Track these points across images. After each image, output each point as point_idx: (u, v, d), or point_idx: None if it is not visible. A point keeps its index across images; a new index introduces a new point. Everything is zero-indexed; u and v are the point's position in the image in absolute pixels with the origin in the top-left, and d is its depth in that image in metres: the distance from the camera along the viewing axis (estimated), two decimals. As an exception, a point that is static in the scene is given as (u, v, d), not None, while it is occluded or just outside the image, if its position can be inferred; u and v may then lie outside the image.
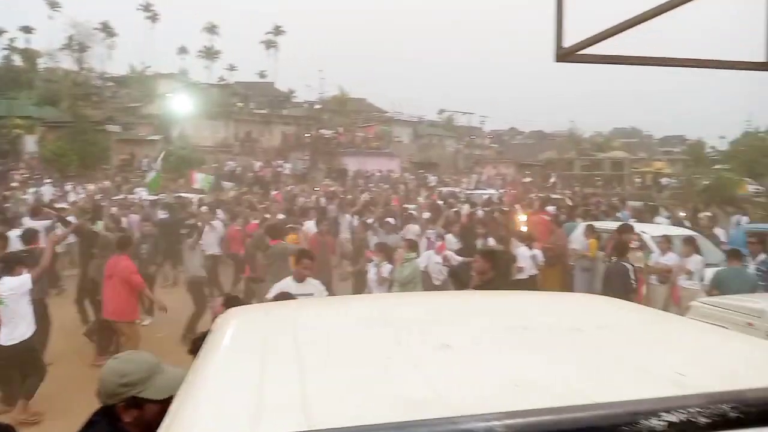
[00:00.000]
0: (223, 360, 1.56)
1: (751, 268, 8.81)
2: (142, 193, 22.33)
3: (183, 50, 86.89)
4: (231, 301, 4.15)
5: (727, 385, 0.82)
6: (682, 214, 16.67)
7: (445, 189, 29.47)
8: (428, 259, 9.98)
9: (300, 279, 6.27)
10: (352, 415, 0.83)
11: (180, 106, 40.77)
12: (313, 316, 2.05)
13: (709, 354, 1.57)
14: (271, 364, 1.39)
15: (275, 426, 1.03)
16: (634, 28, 2.60)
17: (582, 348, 1.56)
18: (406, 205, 18.58)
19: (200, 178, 22.72)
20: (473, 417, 0.70)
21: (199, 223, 11.62)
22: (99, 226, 11.02)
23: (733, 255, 8.62)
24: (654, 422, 0.71)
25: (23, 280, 6.52)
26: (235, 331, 1.85)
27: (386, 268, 8.56)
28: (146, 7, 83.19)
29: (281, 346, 1.55)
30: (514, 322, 1.78)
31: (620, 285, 8.11)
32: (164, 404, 2.26)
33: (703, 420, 0.72)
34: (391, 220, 12.75)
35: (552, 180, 37.87)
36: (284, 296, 4.98)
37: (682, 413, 0.72)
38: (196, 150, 36.69)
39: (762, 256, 8.93)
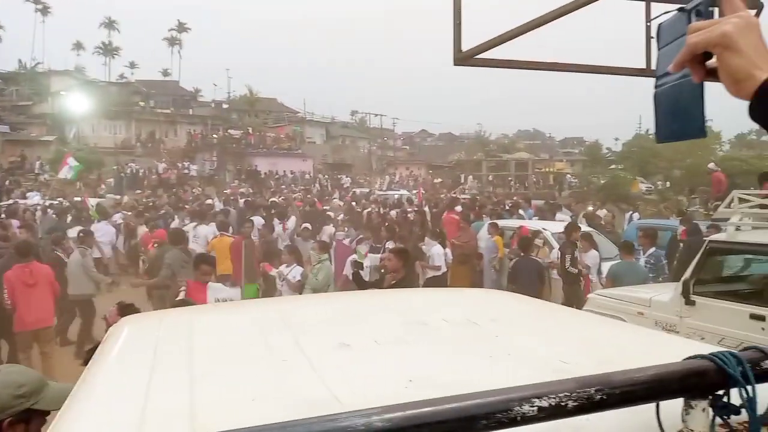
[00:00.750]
0: (111, 369, 1.49)
1: (642, 261, 9.42)
2: (36, 197, 20.89)
3: (78, 46, 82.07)
4: (126, 310, 3.95)
5: (600, 370, 0.87)
6: (590, 208, 17.63)
7: (358, 190, 29.62)
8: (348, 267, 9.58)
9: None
10: (240, 419, 0.81)
11: (76, 104, 38.66)
12: (209, 322, 2.00)
13: (594, 343, 1.67)
14: (161, 372, 1.34)
15: None
16: (530, 37, 2.74)
17: (476, 341, 1.61)
18: (323, 207, 18.48)
19: (70, 165, 20.49)
20: (353, 413, 0.71)
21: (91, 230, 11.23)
22: None
23: (626, 249, 9.18)
24: (526, 408, 0.74)
25: None
26: (126, 339, 1.78)
27: (296, 270, 8.43)
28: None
29: (173, 353, 1.50)
30: (412, 319, 1.81)
31: (534, 279, 8.59)
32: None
33: (571, 404, 0.76)
34: (308, 225, 12.64)
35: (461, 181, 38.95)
36: (183, 303, 4.82)
37: (553, 398, 0.76)
38: (94, 151, 34.75)
39: (651, 250, 9.55)
